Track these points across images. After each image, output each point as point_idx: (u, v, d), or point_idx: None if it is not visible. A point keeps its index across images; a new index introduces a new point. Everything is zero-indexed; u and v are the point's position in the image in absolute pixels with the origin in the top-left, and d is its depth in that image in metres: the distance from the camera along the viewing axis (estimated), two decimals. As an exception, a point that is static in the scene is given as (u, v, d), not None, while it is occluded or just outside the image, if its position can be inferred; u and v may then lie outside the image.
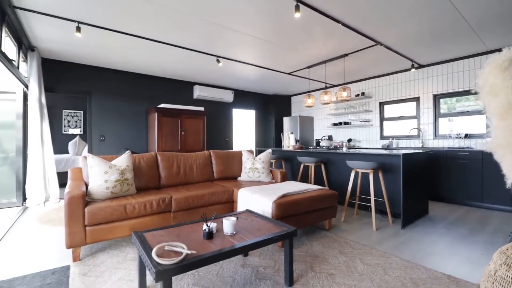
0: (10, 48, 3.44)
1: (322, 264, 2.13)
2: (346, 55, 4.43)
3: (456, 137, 4.59)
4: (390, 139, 5.57)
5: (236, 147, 7.46)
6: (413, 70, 4.91)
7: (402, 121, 5.49)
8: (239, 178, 3.78)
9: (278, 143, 7.77)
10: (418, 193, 3.41)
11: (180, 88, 6.26)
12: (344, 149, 4.46)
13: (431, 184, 4.43)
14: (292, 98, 8.24)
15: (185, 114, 5.59)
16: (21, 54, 3.78)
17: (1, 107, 4.22)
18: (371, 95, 5.95)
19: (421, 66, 5.07)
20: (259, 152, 6.69)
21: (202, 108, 5.84)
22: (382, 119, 5.82)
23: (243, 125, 7.75)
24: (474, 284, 1.85)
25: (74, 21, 3.19)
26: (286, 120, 7.40)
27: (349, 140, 6.23)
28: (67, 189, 2.29)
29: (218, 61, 4.56)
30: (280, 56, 4.54)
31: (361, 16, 3.11)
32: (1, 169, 4.22)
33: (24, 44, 3.83)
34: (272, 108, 7.89)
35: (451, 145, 4.69)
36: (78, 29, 3.20)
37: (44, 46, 4.06)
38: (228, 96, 6.80)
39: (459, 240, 2.69)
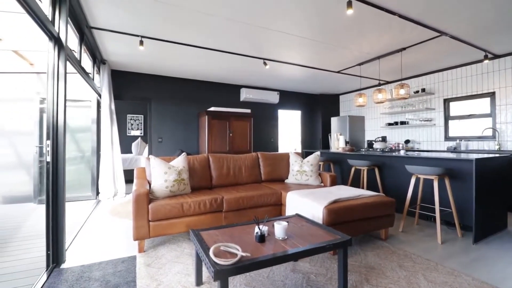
0: (86, 62, 3.98)
1: (378, 277, 1.99)
2: (404, 49, 4.07)
3: (546, 138, 3.87)
4: (457, 141, 4.94)
5: (281, 148, 7.44)
6: (486, 61, 4.27)
7: (472, 120, 4.83)
8: (286, 181, 3.75)
9: (326, 144, 7.51)
10: (495, 203, 2.95)
11: (228, 91, 6.50)
12: (402, 152, 4.10)
13: (511, 194, 3.79)
14: (341, 97, 7.89)
15: (233, 117, 5.77)
16: (95, 67, 4.35)
17: (79, 113, 4.91)
18: (434, 91, 5.36)
19: (496, 57, 4.39)
20: (305, 153, 6.56)
21: (248, 110, 5.97)
22: (447, 117, 5.19)
23: (289, 126, 7.69)
24: None
25: (138, 35, 3.55)
26: (334, 120, 7.11)
27: (407, 142, 5.70)
28: (134, 187, 2.55)
29: (265, 63, 4.60)
30: (328, 54, 4.38)
31: (422, 5, 2.82)
32: (80, 166, 4.91)
33: (97, 58, 4.40)
34: (318, 108, 7.66)
35: (538, 147, 3.96)
36: (141, 42, 3.55)
37: (113, 59, 4.60)
38: (274, 98, 6.82)
39: (553, 262, 2.25)
